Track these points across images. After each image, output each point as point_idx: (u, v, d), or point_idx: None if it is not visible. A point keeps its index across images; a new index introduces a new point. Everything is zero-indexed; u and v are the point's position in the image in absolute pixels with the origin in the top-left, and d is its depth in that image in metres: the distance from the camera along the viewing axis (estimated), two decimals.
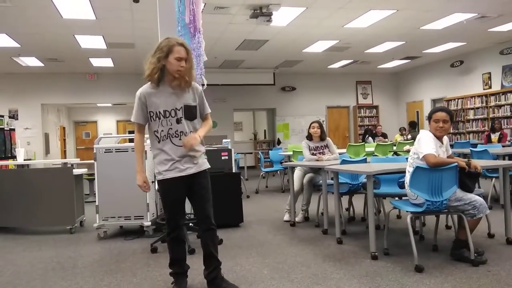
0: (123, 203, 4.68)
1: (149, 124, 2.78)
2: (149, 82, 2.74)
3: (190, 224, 4.38)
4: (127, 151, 4.72)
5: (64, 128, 16.48)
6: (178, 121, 2.72)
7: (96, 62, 11.31)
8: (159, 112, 2.71)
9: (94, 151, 4.73)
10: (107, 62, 11.41)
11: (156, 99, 2.71)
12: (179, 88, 2.74)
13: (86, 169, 5.78)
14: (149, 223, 4.63)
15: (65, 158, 15.23)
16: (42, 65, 11.29)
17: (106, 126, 17.59)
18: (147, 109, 2.73)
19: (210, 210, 2.83)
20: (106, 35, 8.75)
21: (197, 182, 2.79)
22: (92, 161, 4.80)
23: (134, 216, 4.68)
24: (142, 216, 4.66)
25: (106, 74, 12.88)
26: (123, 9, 7.14)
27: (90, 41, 9.12)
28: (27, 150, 12.24)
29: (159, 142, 2.75)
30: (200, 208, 2.83)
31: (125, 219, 4.70)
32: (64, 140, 16.40)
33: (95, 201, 4.77)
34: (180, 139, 2.71)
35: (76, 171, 5.28)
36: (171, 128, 2.71)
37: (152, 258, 3.83)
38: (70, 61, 11.03)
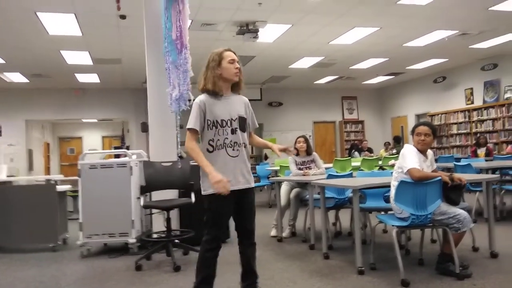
0: (108, 220, 4.60)
1: (202, 134, 2.72)
2: (205, 93, 2.74)
3: (176, 240, 4.33)
4: (113, 167, 4.67)
5: (48, 144, 16.26)
6: (233, 132, 2.72)
7: (82, 77, 11.26)
8: (216, 121, 2.69)
9: (79, 167, 4.67)
10: (93, 78, 11.36)
11: (214, 108, 2.70)
12: (235, 96, 2.81)
13: (70, 186, 5.69)
14: (134, 240, 4.56)
15: (48, 174, 14.98)
16: (27, 81, 11.19)
17: (91, 142, 17.41)
18: (205, 117, 2.70)
19: (254, 225, 2.84)
20: (93, 51, 8.74)
21: (246, 197, 2.77)
22: (76, 177, 4.73)
23: (119, 233, 4.60)
24: (127, 233, 4.59)
25: (92, 89, 12.81)
26: (110, 26, 7.15)
27: (76, 57, 9.10)
28: (10, 167, 12.02)
29: (212, 152, 2.69)
30: (246, 223, 2.80)
31: (109, 236, 4.62)
32: (48, 156, 16.17)
33: (78, 218, 4.68)
34: (233, 150, 2.70)
35: (60, 188, 5.20)
36: (227, 138, 2.70)
37: (137, 276, 3.76)
38: (55, 76, 10.95)
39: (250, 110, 2.88)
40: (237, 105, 2.79)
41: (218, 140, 2.68)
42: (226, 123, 2.70)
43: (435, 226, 3.51)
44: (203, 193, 2.69)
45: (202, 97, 2.74)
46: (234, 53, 2.78)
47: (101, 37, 7.83)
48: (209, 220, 2.68)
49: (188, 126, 2.68)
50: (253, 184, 2.81)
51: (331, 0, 6.48)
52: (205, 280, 2.72)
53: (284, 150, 2.94)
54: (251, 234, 2.82)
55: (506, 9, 7.16)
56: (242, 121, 2.77)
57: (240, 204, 2.73)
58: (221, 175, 2.57)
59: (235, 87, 2.81)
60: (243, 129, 2.77)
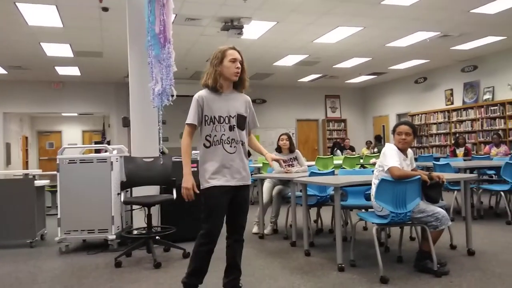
0: (87, 216, 4.52)
1: (201, 128, 2.76)
2: (206, 88, 2.78)
3: (157, 237, 4.29)
4: (92, 162, 4.60)
5: (26, 138, 15.92)
6: (231, 128, 2.75)
7: (62, 70, 11.05)
8: (214, 117, 2.72)
9: (57, 162, 4.58)
10: (73, 71, 11.16)
11: (213, 104, 2.74)
12: (237, 94, 2.83)
13: (48, 181, 5.57)
14: (114, 237, 4.50)
15: (27, 169, 14.68)
16: (5, 72, 10.92)
17: (71, 136, 17.13)
18: (202, 112, 2.74)
19: (245, 223, 2.87)
20: (73, 44, 8.58)
21: (241, 193, 2.78)
22: (55, 172, 4.64)
23: (98, 230, 4.53)
24: (107, 229, 4.53)
25: (72, 83, 12.58)
26: (92, 18, 7.02)
27: (56, 49, 8.92)
28: None
29: (209, 147, 2.72)
30: (238, 219, 2.82)
31: (88, 232, 4.55)
32: (27, 150, 15.84)
33: (57, 214, 4.60)
34: (231, 146, 2.72)
35: (38, 183, 5.09)
36: (224, 134, 2.72)
37: (116, 273, 3.71)
38: (35, 69, 10.72)
39: (251, 109, 2.90)
40: (237, 102, 2.80)
41: (215, 135, 2.72)
42: (224, 120, 2.73)
43: (414, 224, 3.56)
44: (201, 187, 2.71)
45: (202, 92, 2.77)
46: (239, 52, 2.79)
47: (83, 30, 7.69)
48: (203, 214, 2.70)
49: (186, 121, 2.73)
50: (249, 182, 2.83)
51: None
52: (195, 272, 2.74)
53: (277, 161, 2.93)
54: (241, 230, 2.84)
55: (487, 12, 7.31)
56: (241, 119, 2.79)
57: (234, 200, 2.75)
58: (192, 181, 2.66)
59: (238, 86, 2.83)
60: (241, 127, 2.79)
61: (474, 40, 9.24)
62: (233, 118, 2.75)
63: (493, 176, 7.45)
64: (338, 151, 12.20)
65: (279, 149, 5.40)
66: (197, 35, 8.18)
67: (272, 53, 9.91)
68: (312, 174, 4.61)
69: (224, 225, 2.79)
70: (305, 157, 5.72)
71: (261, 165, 7.79)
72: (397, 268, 3.53)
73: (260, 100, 14.57)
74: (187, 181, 2.66)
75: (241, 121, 2.79)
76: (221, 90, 2.74)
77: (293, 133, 14.53)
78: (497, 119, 10.41)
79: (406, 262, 3.67)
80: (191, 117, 2.73)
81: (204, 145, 2.73)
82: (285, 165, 5.25)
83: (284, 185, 5.18)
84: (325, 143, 15.13)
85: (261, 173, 7.25)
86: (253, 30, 7.93)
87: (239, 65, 2.74)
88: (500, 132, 10.00)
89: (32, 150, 16.63)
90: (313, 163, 7.81)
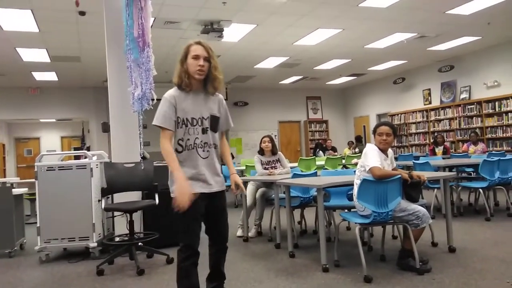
0: (67, 224, 4.44)
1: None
2: (176, 87, 2.53)
3: (139, 243, 4.24)
4: (72, 168, 4.51)
5: (3, 145, 15.54)
6: (204, 131, 2.51)
7: (39, 76, 10.83)
8: (186, 119, 2.47)
9: (36, 169, 4.48)
10: (51, 76, 10.95)
11: (185, 105, 2.48)
12: (207, 94, 2.55)
13: (26, 189, 5.45)
14: (95, 244, 4.42)
15: (4, 177, 14.32)
16: None
17: (50, 142, 16.80)
18: (176, 113, 2.47)
19: (227, 229, 2.67)
20: (50, 48, 8.42)
21: (218, 200, 2.57)
22: (34, 180, 4.54)
23: (79, 237, 4.45)
24: (88, 237, 4.45)
25: (50, 88, 12.34)
26: (69, 22, 6.91)
27: (32, 54, 8.74)
28: None
29: (181, 152, 2.48)
30: (218, 226, 2.61)
31: (69, 240, 4.46)
32: (4, 158, 15.46)
33: (36, 222, 4.49)
34: (204, 151, 2.50)
35: (16, 191, 4.97)
36: (197, 138, 2.49)
37: (98, 281, 3.64)
38: (11, 75, 10.48)
39: (225, 108, 2.65)
40: (210, 102, 2.56)
41: (188, 139, 2.48)
42: (197, 122, 2.50)
43: (395, 223, 3.61)
44: (172, 195, 2.43)
45: (172, 91, 2.51)
46: (205, 47, 2.51)
47: (59, 34, 7.55)
48: (180, 226, 2.45)
49: (154, 123, 2.45)
50: (223, 187, 2.62)
51: (294, 1, 6.53)
52: None
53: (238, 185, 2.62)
54: (223, 238, 2.65)
55: (462, 13, 7.47)
56: (214, 120, 2.56)
57: (211, 208, 2.53)
58: (189, 184, 2.38)
59: (207, 86, 2.52)
60: (214, 129, 2.56)
61: (450, 40, 9.43)
62: (205, 120, 2.52)
63: (472, 173, 7.61)
64: (320, 152, 12.30)
65: (261, 152, 5.40)
66: (177, 38, 8.12)
67: (253, 55, 9.93)
68: (295, 175, 4.62)
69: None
70: (287, 159, 5.73)
71: (244, 167, 7.78)
72: (380, 267, 3.56)
73: (242, 102, 14.57)
74: (182, 186, 2.32)
75: (215, 123, 2.56)
76: (188, 89, 2.49)
77: (275, 135, 14.58)
78: (474, 117, 10.64)
79: (389, 261, 3.71)
80: (160, 120, 2.43)
81: (176, 149, 2.48)
82: (268, 167, 5.26)
83: (267, 187, 5.18)
84: (307, 144, 15.22)
85: (244, 175, 7.25)
86: (234, 33, 7.92)
87: (202, 62, 2.45)
88: (477, 130, 10.23)
89: (9, 157, 16.23)
90: (295, 164, 7.84)
